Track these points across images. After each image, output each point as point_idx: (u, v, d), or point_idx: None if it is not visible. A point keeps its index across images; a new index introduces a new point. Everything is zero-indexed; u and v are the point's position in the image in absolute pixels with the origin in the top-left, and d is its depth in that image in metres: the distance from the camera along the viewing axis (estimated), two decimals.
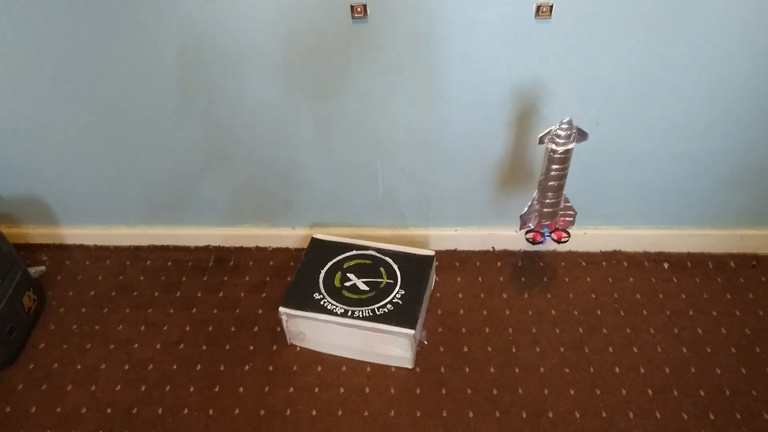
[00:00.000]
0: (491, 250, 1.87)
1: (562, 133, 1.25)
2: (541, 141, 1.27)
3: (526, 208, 1.39)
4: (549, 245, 1.84)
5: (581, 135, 1.27)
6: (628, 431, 1.40)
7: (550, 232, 1.40)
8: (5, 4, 1.42)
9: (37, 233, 1.94)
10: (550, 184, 1.32)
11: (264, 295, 1.77)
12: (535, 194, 1.38)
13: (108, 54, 1.50)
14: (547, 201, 1.34)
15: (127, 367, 1.59)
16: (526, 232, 1.41)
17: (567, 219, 1.39)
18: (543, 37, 1.40)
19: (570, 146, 1.26)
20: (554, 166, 1.29)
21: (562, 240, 1.39)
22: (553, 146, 1.26)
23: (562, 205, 1.37)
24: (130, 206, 1.85)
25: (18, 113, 1.64)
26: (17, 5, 1.42)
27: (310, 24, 1.41)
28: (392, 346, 1.52)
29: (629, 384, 1.49)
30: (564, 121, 1.24)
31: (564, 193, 1.36)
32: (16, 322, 1.61)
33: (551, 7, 1.34)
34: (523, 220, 1.42)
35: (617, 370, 1.52)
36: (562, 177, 1.31)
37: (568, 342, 1.59)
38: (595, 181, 1.68)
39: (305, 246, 1.75)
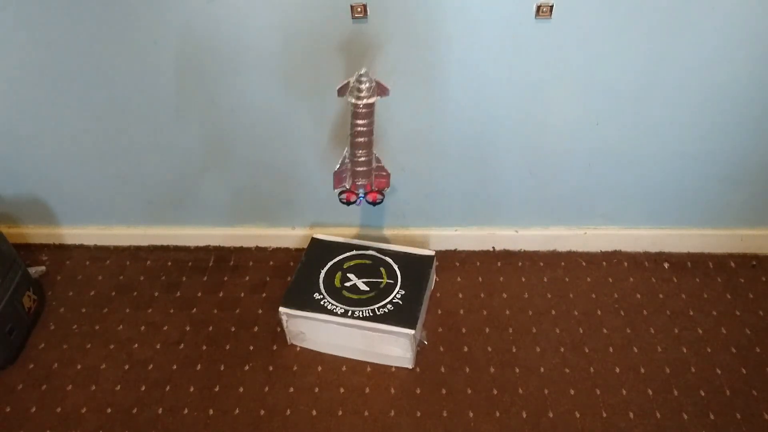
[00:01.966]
0: (491, 250, 1.87)
1: (363, 87, 1.18)
2: (341, 94, 1.21)
3: (338, 165, 1.32)
4: (549, 245, 1.84)
5: (381, 89, 1.21)
6: (628, 431, 1.40)
7: (366, 194, 1.34)
8: (5, 4, 1.42)
9: (37, 233, 1.94)
10: (357, 140, 1.26)
11: (264, 295, 1.77)
12: (345, 151, 1.31)
13: (108, 54, 1.50)
14: (357, 159, 1.28)
15: (127, 367, 1.59)
16: (340, 193, 1.34)
17: (381, 180, 1.33)
18: (543, 37, 1.40)
19: (372, 100, 1.20)
20: (358, 122, 1.23)
21: (377, 202, 1.32)
22: (353, 101, 1.20)
23: (374, 165, 1.31)
24: (130, 206, 1.85)
25: (18, 113, 1.64)
26: (17, 5, 1.42)
27: (310, 24, 1.41)
28: (392, 346, 1.52)
29: (629, 384, 1.49)
30: (361, 73, 1.18)
31: (375, 152, 1.29)
32: (16, 322, 1.61)
33: (551, 7, 1.34)
34: (338, 179, 1.34)
35: (617, 370, 1.52)
36: (369, 133, 1.25)
37: (568, 342, 1.59)
38: (595, 181, 1.68)
39: (305, 246, 1.75)
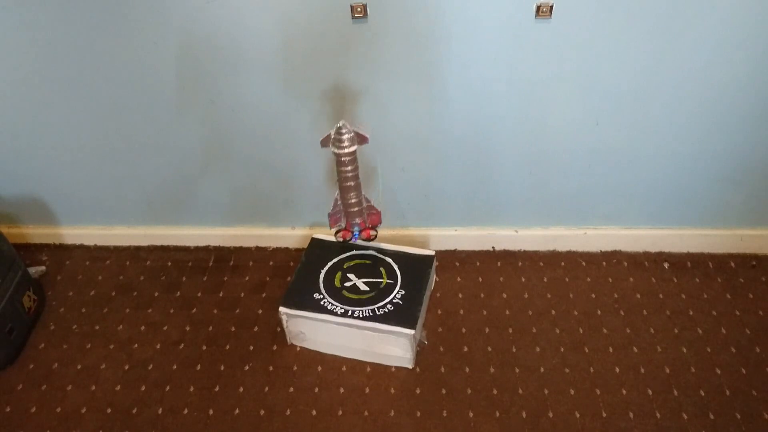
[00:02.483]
0: (491, 250, 1.87)
1: (344, 137, 1.29)
2: (324, 145, 1.31)
3: (332, 207, 1.43)
4: (549, 245, 1.84)
5: (361, 138, 1.31)
6: (628, 431, 1.40)
7: (360, 231, 1.45)
8: (5, 4, 1.42)
9: (37, 233, 1.94)
10: (346, 185, 1.37)
11: (264, 295, 1.77)
12: (336, 195, 1.42)
13: (108, 54, 1.50)
14: (349, 201, 1.39)
15: (127, 367, 1.59)
16: (336, 232, 1.46)
17: (373, 216, 1.45)
18: (543, 37, 1.40)
19: (353, 149, 1.30)
20: (343, 168, 1.34)
21: (371, 238, 1.43)
22: (335, 150, 1.31)
23: (365, 204, 1.42)
24: (130, 206, 1.85)
25: (18, 113, 1.64)
26: (17, 6, 1.42)
27: (310, 24, 1.41)
28: (392, 346, 1.52)
29: (629, 384, 1.49)
30: (339, 125, 1.28)
31: (363, 193, 1.41)
32: (16, 322, 1.61)
33: (551, 7, 1.34)
34: (333, 219, 1.47)
35: (617, 370, 1.52)
36: (355, 177, 1.37)
37: (568, 342, 1.59)
38: (595, 181, 1.68)
39: (305, 246, 1.75)
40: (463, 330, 1.64)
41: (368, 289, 1.58)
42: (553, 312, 1.67)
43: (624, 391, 1.48)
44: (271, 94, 1.55)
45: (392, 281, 1.60)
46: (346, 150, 1.31)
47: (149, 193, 1.81)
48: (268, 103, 1.57)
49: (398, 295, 1.56)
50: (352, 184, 1.37)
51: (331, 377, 1.54)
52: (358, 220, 1.43)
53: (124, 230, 1.92)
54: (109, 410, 1.49)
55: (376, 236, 1.43)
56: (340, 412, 1.46)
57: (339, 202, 1.43)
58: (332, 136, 1.31)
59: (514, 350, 1.58)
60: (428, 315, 1.67)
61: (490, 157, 1.64)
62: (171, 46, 1.47)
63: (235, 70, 1.51)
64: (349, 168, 1.35)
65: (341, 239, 1.43)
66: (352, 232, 1.46)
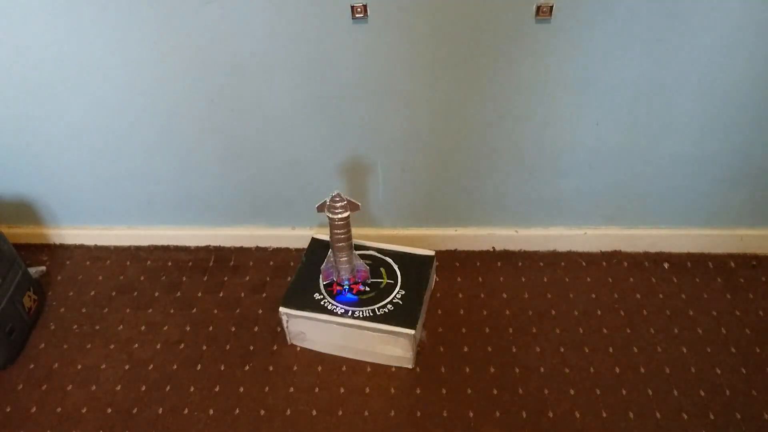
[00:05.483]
0: (491, 250, 1.87)
1: (337, 205, 1.43)
2: (320, 210, 1.45)
3: (325, 263, 1.58)
4: (549, 245, 1.84)
5: (353, 206, 1.45)
6: (628, 431, 1.40)
7: (350, 286, 1.57)
8: (5, 4, 1.42)
9: (37, 233, 1.94)
10: (338, 245, 1.50)
11: (264, 295, 1.77)
12: (330, 253, 1.56)
13: (108, 54, 1.50)
14: (340, 259, 1.54)
15: (127, 367, 1.59)
16: (327, 285, 1.59)
17: (362, 273, 1.58)
18: (543, 37, 1.40)
19: (345, 215, 1.44)
20: (337, 231, 1.47)
21: (360, 292, 1.57)
22: (330, 215, 1.44)
23: (354, 262, 1.56)
24: (130, 206, 1.85)
25: (18, 113, 1.64)
26: (17, 5, 1.42)
27: (310, 24, 1.41)
28: (392, 346, 1.52)
29: (629, 384, 1.49)
30: (334, 195, 1.43)
31: (354, 252, 1.55)
32: (16, 322, 1.61)
33: (551, 7, 1.34)
34: (325, 274, 1.60)
35: (617, 370, 1.52)
36: (347, 239, 1.50)
37: (568, 342, 1.59)
38: (595, 181, 1.68)
39: (305, 246, 1.75)
40: (463, 330, 1.64)
41: (368, 289, 1.58)
42: (553, 312, 1.67)
43: (624, 391, 1.48)
44: (271, 94, 1.55)
45: (392, 281, 1.60)
46: (340, 216, 1.44)
47: (149, 193, 1.81)
48: (268, 103, 1.57)
49: (398, 295, 1.56)
50: (344, 245, 1.50)
51: (331, 377, 1.54)
52: (348, 276, 1.56)
53: (124, 230, 1.92)
54: (109, 410, 1.49)
55: (364, 290, 1.56)
56: (340, 412, 1.46)
57: (332, 259, 1.56)
58: (327, 203, 1.44)
59: (514, 350, 1.58)
60: (428, 315, 1.67)
61: (489, 157, 1.64)
62: (170, 46, 1.47)
63: (235, 70, 1.51)
64: (342, 231, 1.47)
65: (332, 292, 1.57)
66: (343, 286, 1.58)
